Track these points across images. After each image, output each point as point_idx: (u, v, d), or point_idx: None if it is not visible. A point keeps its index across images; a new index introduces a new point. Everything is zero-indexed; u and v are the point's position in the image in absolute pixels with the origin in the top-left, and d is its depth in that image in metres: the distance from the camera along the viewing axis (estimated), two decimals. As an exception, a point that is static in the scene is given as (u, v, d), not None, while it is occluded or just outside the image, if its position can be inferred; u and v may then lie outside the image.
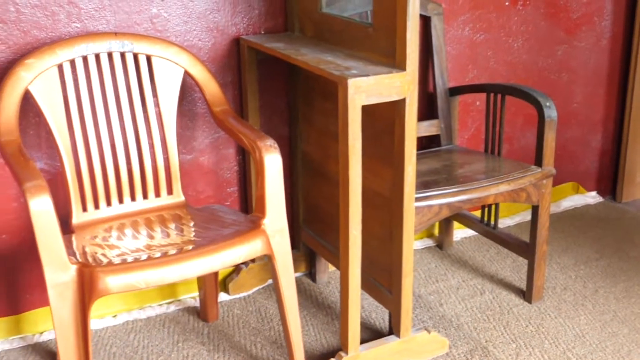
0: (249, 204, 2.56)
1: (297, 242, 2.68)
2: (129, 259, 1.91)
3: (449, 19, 2.71)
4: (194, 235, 2.06)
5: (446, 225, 2.85)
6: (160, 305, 2.53)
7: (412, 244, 2.09)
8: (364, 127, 2.05)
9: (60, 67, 2.10)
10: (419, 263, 2.78)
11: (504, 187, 2.27)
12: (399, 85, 1.92)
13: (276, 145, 2.02)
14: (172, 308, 2.52)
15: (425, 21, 2.65)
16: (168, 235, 2.07)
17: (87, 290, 1.80)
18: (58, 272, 1.79)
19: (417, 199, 2.16)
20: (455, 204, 2.22)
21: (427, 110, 2.75)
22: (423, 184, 2.27)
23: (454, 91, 2.67)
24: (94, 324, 2.42)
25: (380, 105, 2.01)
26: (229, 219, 2.14)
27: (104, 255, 1.94)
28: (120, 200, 2.23)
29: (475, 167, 2.41)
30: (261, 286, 2.64)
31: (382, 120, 2.06)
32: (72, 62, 2.12)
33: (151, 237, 2.06)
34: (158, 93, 2.23)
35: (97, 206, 2.19)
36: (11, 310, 2.36)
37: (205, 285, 2.39)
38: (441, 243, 2.89)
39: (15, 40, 2.13)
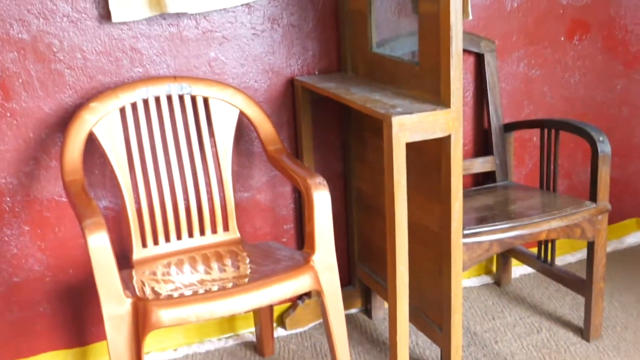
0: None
1: (353, 278, 2.71)
2: (183, 293, 1.97)
3: (502, 55, 2.72)
4: (248, 271, 2.10)
5: (504, 262, 2.83)
6: (219, 339, 2.58)
7: (461, 280, 2.09)
8: (413, 163, 2.08)
9: (122, 110, 2.20)
10: (475, 300, 2.76)
11: (556, 223, 2.25)
12: (443, 122, 1.94)
13: (325, 182, 2.06)
14: (231, 342, 2.57)
15: (478, 58, 2.67)
16: (223, 271, 2.13)
17: (141, 323, 1.87)
18: (114, 305, 1.86)
19: (467, 235, 2.17)
20: (506, 240, 2.21)
21: (482, 146, 2.75)
22: (475, 220, 2.26)
23: (509, 127, 2.67)
24: (156, 357, 2.49)
25: (428, 141, 2.03)
26: (281, 255, 2.19)
27: (159, 289, 2.01)
28: (179, 237, 2.30)
29: (528, 203, 2.40)
30: (317, 322, 2.67)
31: (430, 156, 2.08)
32: (134, 105, 2.22)
33: (207, 272, 2.12)
34: (215, 133, 2.31)
35: (156, 242, 2.27)
36: (78, 342, 2.45)
37: (261, 320, 2.43)
38: (499, 280, 2.86)
39: (82, 85, 2.25)
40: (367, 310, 2.70)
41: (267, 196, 2.55)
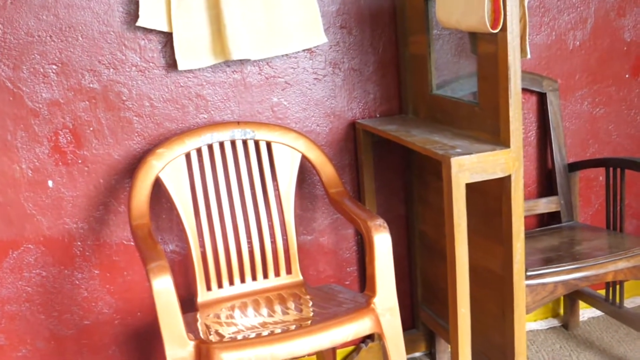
0: (368, 283, 2.57)
1: (416, 322, 2.65)
2: (246, 336, 1.96)
3: (565, 94, 2.67)
4: (311, 314, 2.08)
5: (571, 304, 2.74)
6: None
7: (524, 323, 2.03)
8: (473, 205, 2.04)
9: (187, 155, 2.23)
10: (542, 344, 2.67)
11: (623, 264, 2.17)
12: (503, 162, 1.91)
13: (385, 224, 2.04)
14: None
15: (540, 98, 2.62)
16: (286, 314, 2.11)
17: (203, 366, 1.86)
18: (177, 348, 1.86)
19: (530, 277, 2.11)
20: (571, 281, 2.14)
21: (546, 187, 2.69)
22: (539, 261, 2.20)
23: (573, 167, 2.60)
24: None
25: (489, 182, 1.99)
26: (343, 298, 2.16)
27: (223, 331, 2.01)
28: (242, 280, 2.30)
29: (594, 243, 2.32)
30: (384, 364, 2.62)
31: (491, 197, 2.04)
32: (199, 150, 2.25)
33: (270, 315, 2.11)
34: (277, 177, 2.32)
35: (220, 285, 2.27)
36: (146, 384, 2.47)
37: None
38: (567, 323, 2.77)
39: (149, 131, 2.29)
40: (431, 354, 2.64)
41: (329, 239, 2.54)
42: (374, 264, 2.03)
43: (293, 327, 1.99)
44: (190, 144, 2.24)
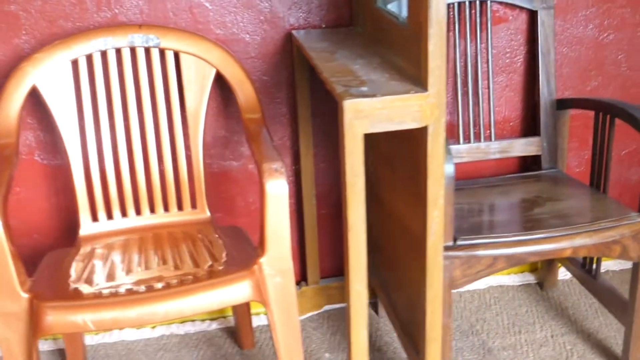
0: (304, 217, 2.14)
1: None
2: (112, 291, 1.57)
3: (565, 13, 2.08)
4: (191, 269, 1.67)
5: (548, 260, 2.25)
6: (202, 321, 2.20)
7: (440, 304, 1.57)
8: (403, 153, 1.58)
9: (75, 62, 1.81)
10: (507, 304, 2.21)
11: (583, 240, 1.67)
12: (417, 110, 1.40)
13: (283, 170, 1.58)
14: (214, 326, 2.18)
15: (532, 16, 2.04)
16: (164, 263, 1.71)
17: (33, 325, 1.50)
18: (7, 301, 1.50)
19: (461, 247, 1.64)
20: (516, 255, 1.66)
21: (530, 125, 2.15)
22: (484, 226, 1.72)
23: (563, 104, 2.05)
24: (131, 333, 2.14)
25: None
26: (239, 249, 1.75)
27: (95, 279, 1.63)
28: (138, 212, 1.90)
29: (562, 205, 1.80)
30: (316, 312, 2.23)
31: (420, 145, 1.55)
32: (89, 57, 1.82)
33: (147, 266, 1.70)
34: (185, 94, 1.87)
35: (110, 216, 1.88)
36: None
37: (237, 311, 2.03)
38: (542, 281, 2.29)
39: (41, 30, 1.86)
40: (374, 304, 2.22)
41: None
42: (264, 217, 1.59)
43: (159, 285, 1.59)
44: (77, 49, 1.80)
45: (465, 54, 2.01)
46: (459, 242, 1.64)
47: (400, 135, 1.62)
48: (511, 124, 2.15)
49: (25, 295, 1.51)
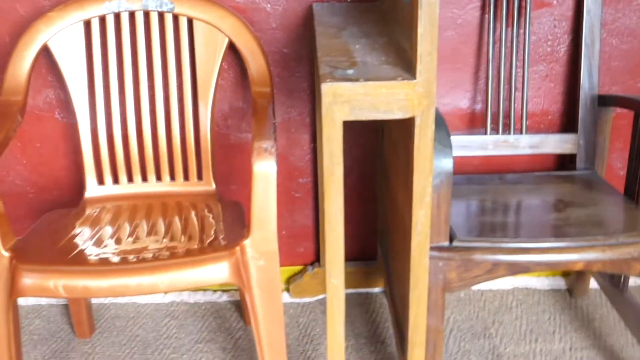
0: (319, 199, 2.04)
1: (377, 254, 2.11)
2: (103, 258, 1.53)
3: (618, 2, 1.86)
4: (181, 241, 1.60)
5: (579, 268, 2.06)
6: (214, 291, 2.14)
7: (424, 308, 1.45)
8: (403, 142, 1.46)
9: (87, 23, 1.76)
10: (529, 309, 2.04)
11: (595, 255, 1.49)
12: (403, 99, 1.27)
13: (272, 150, 1.48)
14: (224, 298, 2.12)
15: (579, 2, 1.85)
16: (155, 234, 1.65)
17: (11, 285, 1.48)
18: (-14, 258, 1.49)
19: (457, 249, 1.50)
20: (519, 264, 1.51)
21: (569, 120, 1.96)
22: (487, 227, 1.58)
23: (605, 100, 1.85)
24: (145, 298, 2.12)
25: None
26: (230, 227, 1.67)
27: (91, 245, 1.59)
28: (144, 178, 1.85)
29: (580, 213, 1.63)
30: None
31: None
32: (102, 19, 1.77)
33: (136, 233, 1.65)
34: (197, 62, 1.80)
35: (116, 180, 1.84)
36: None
37: (240, 288, 1.96)
38: (572, 288, 2.11)
39: (58, -13, 1.82)
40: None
41: (279, 142, 2.01)
42: (252, 197, 1.50)
43: (138, 257, 1.53)
44: (91, 10, 1.75)
45: (501, 39, 1.83)
46: (455, 244, 1.50)
47: (403, 121, 1.49)
48: (549, 117, 1.97)
49: (5, 254, 1.48)
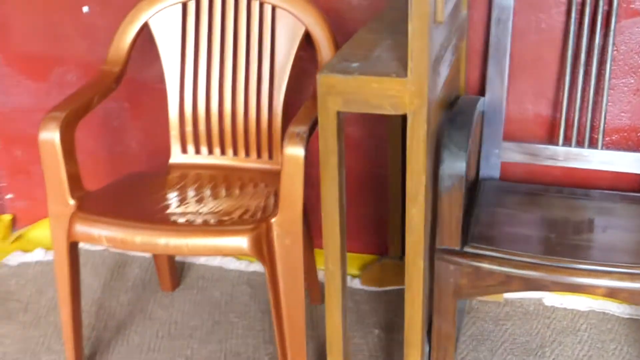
0: (390, 190, 2.02)
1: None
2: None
3: None
4: (225, 210, 1.70)
5: None
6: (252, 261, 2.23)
7: (419, 308, 1.41)
8: None
9: (184, 5, 1.90)
10: (600, 335, 1.87)
11: (618, 283, 1.36)
12: (394, 96, 1.25)
13: (304, 136, 1.52)
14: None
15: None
16: (211, 201, 1.75)
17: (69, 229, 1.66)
18: (59, 205, 1.68)
19: (466, 255, 1.44)
20: (534, 280, 1.41)
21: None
22: (503, 238, 1.50)
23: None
24: (231, 263, 2.25)
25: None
26: (273, 204, 1.73)
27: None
28: (223, 152, 1.96)
29: (616, 237, 1.48)
30: (400, 287, 2.11)
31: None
32: (198, 2, 1.89)
33: (198, 198, 1.77)
34: (276, 49, 1.87)
35: (198, 151, 1.97)
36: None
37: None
38: (653, 321, 1.91)
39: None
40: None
41: (358, 130, 2.02)
42: (281, 179, 1.56)
43: (208, 220, 1.64)
44: (187, -7, 1.89)
45: (587, 48, 1.70)
46: (466, 249, 1.44)
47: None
48: (639, 134, 1.79)
49: (71, 202, 1.67)
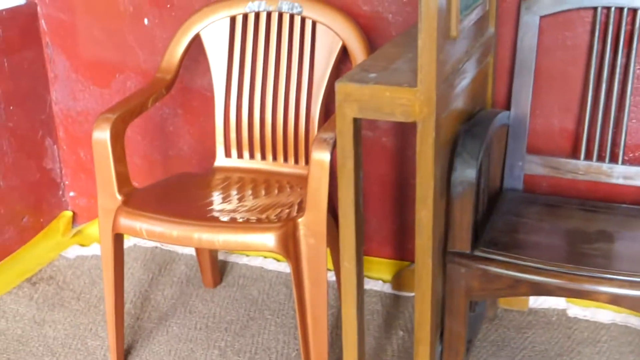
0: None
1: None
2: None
3: None
4: (259, 210, 1.81)
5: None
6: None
7: (428, 306, 1.48)
8: None
9: (233, 19, 2.03)
10: (620, 348, 1.88)
11: (620, 290, 1.40)
12: (405, 104, 1.34)
13: (331, 142, 1.62)
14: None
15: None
16: (250, 201, 1.87)
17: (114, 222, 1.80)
18: (107, 199, 1.82)
19: (476, 259, 1.51)
20: (541, 285, 1.47)
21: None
22: (512, 244, 1.55)
23: None
24: (272, 264, 2.36)
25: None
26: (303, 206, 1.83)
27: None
28: (263, 157, 2.08)
29: (623, 247, 1.52)
30: (427, 293, 2.18)
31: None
32: (245, 16, 2.02)
33: (242, 198, 1.89)
34: (315, 62, 1.97)
35: (240, 155, 2.09)
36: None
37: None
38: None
39: (226, -11, 2.11)
40: (479, 303, 2.10)
41: (394, 141, 2.10)
42: (308, 181, 1.66)
43: (240, 218, 1.75)
44: (236, 9, 2.02)
45: (613, 65, 1.75)
46: (476, 253, 1.51)
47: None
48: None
49: (118, 198, 1.81)
